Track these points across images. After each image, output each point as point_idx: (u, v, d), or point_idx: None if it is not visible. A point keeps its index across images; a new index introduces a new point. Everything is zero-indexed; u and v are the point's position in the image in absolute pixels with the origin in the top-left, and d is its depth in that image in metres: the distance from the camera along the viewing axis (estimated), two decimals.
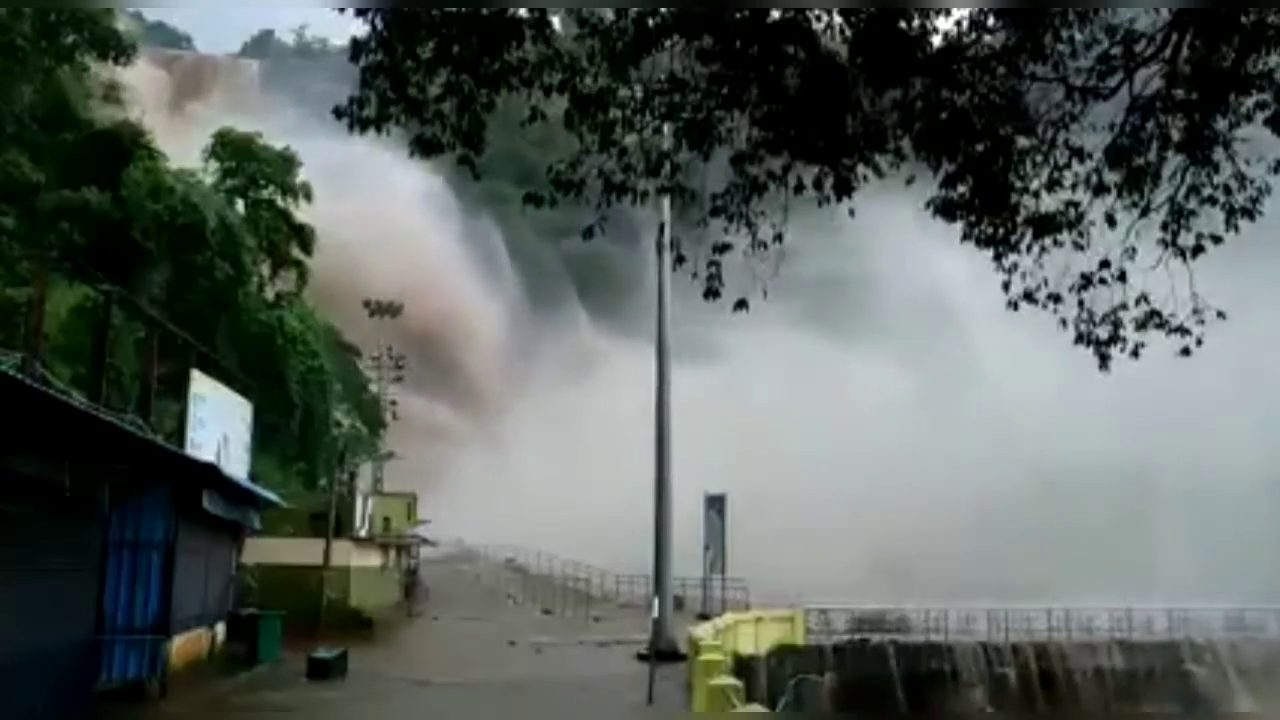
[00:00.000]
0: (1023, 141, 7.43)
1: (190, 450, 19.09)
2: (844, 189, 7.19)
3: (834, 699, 29.85)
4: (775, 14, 6.61)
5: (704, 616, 31.13)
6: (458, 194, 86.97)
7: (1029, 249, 7.74)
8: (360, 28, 6.34)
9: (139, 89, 39.33)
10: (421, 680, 20.60)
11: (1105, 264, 7.69)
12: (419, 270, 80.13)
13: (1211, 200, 7.44)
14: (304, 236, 38.58)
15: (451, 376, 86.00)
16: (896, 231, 44.41)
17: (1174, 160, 7.43)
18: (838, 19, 6.70)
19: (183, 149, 36.83)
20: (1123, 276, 7.68)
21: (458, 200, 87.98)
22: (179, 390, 21.16)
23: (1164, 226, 7.60)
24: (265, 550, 26.07)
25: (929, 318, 68.64)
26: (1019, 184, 7.58)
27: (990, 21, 7.09)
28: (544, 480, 62.18)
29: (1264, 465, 45.36)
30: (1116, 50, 7.21)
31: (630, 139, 7.10)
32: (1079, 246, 7.71)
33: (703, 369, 58.84)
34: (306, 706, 17.38)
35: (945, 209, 7.54)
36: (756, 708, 12.07)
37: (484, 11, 6.29)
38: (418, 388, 67.96)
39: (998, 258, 7.79)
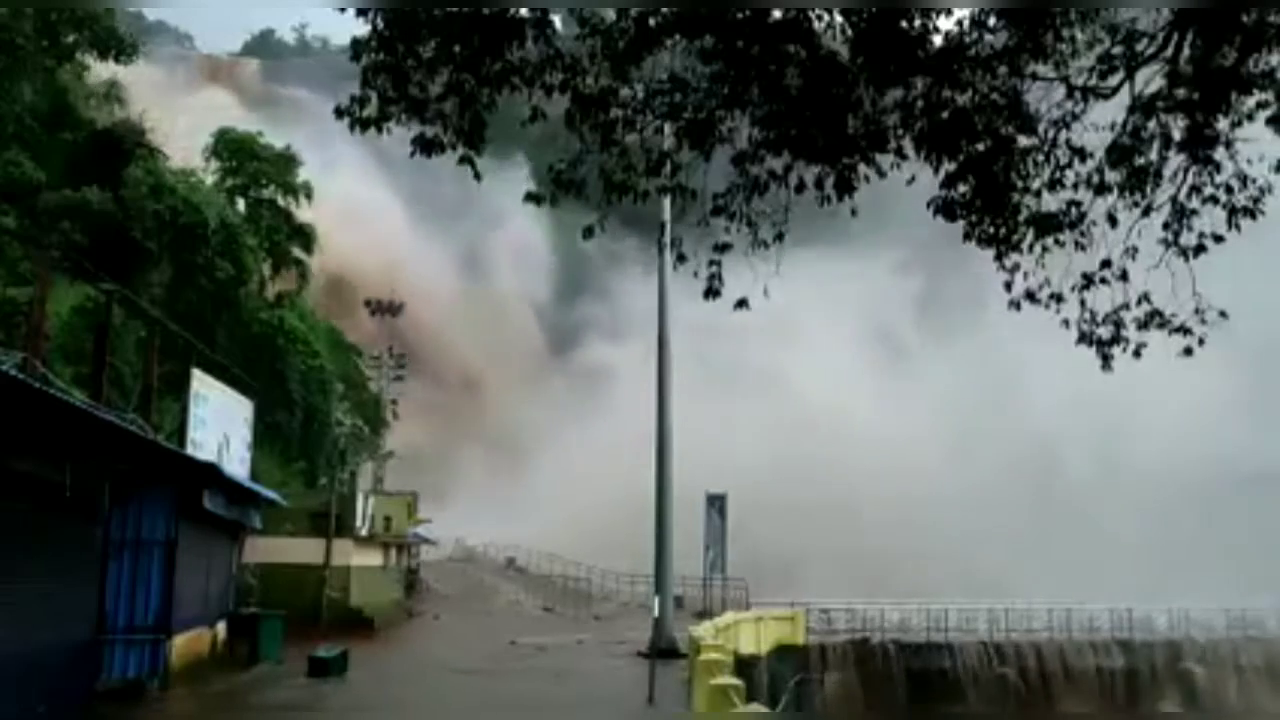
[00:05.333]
0: (1024, 141, 7.43)
1: (191, 450, 19.08)
2: (845, 188, 7.19)
3: (835, 698, 29.88)
4: (776, 13, 6.60)
5: (704, 615, 31.14)
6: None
7: (1030, 249, 7.74)
8: (361, 27, 6.35)
9: (140, 88, 39.32)
10: (423, 678, 20.64)
11: (1107, 263, 7.69)
12: (421, 268, 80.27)
13: (1213, 200, 7.44)
14: (305, 236, 38.63)
15: (454, 375, 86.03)
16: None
17: (1175, 160, 7.43)
18: (839, 18, 6.70)
19: (183, 148, 36.89)
20: (1124, 276, 7.68)
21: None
22: (180, 390, 21.16)
23: (1165, 226, 7.60)
24: (266, 549, 26.08)
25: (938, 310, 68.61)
26: (1020, 183, 7.58)
27: (991, 21, 7.09)
28: (546, 479, 62.13)
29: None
30: (1118, 50, 7.21)
31: (631, 138, 7.10)
32: (1080, 246, 7.71)
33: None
34: (307, 706, 17.37)
35: (946, 209, 7.54)
36: (757, 707, 12.05)
37: (485, 11, 6.28)
38: (421, 387, 67.98)
39: (999, 257, 7.80)
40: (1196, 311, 7.43)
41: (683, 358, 27.79)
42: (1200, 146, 7.22)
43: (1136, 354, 7.83)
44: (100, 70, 32.49)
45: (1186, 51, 6.93)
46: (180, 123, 47.44)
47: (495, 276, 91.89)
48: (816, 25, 6.71)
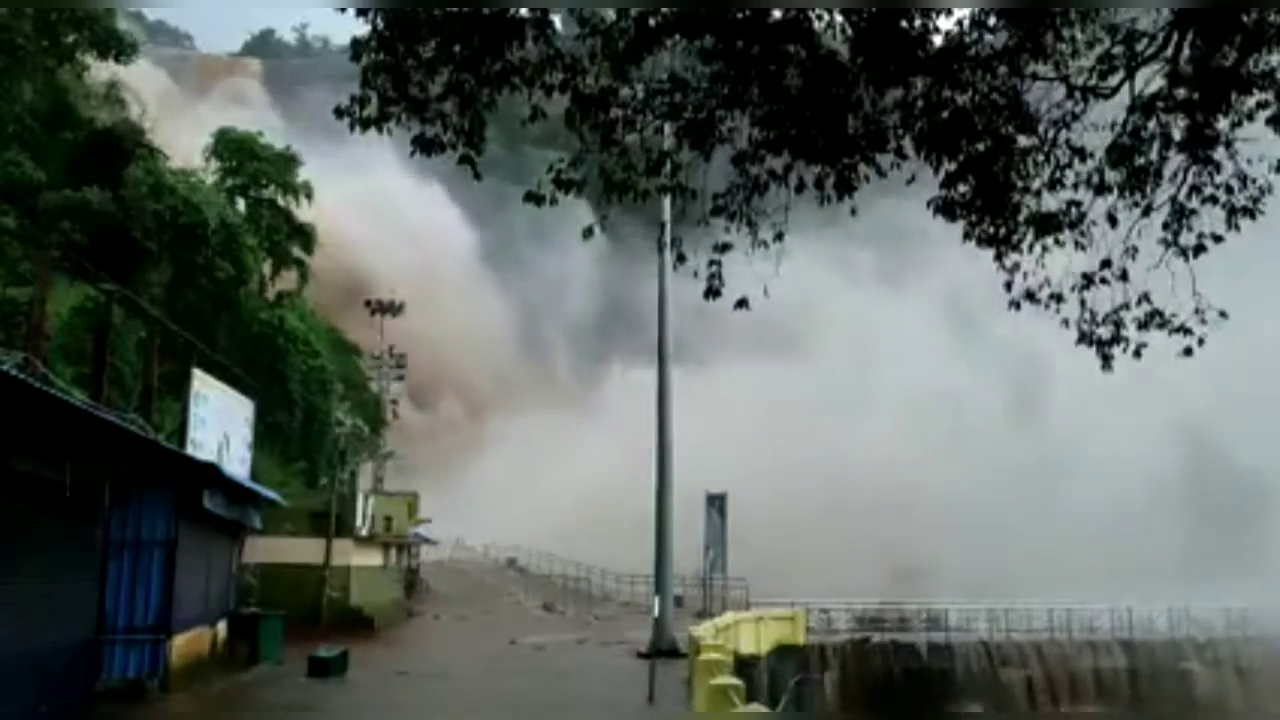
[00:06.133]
0: (1024, 141, 7.43)
1: (191, 449, 19.08)
2: (845, 188, 7.19)
3: (835, 698, 29.88)
4: (777, 13, 6.61)
5: (704, 615, 31.15)
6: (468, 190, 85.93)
7: (1030, 248, 7.74)
8: (361, 27, 6.36)
9: (140, 88, 39.38)
10: (423, 678, 20.64)
11: (1107, 263, 7.69)
12: (426, 268, 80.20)
13: (1213, 199, 7.44)
14: (305, 236, 38.64)
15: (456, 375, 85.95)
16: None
17: (1175, 159, 7.42)
18: (839, 18, 6.70)
19: (184, 147, 36.93)
20: (1124, 276, 7.68)
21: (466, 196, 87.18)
22: (180, 389, 21.17)
23: (1165, 226, 7.60)
24: (266, 549, 26.08)
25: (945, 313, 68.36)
26: (1020, 183, 7.58)
27: (991, 21, 7.09)
28: (547, 480, 62.11)
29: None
30: (1118, 49, 7.20)
31: (631, 138, 7.10)
32: (1080, 246, 7.71)
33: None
34: (307, 706, 17.37)
35: (946, 209, 7.54)
36: (757, 707, 12.04)
37: (485, 11, 6.28)
38: (423, 386, 68.05)
39: (999, 257, 7.80)
40: (1196, 311, 7.43)
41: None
42: (1200, 146, 7.22)
43: (1137, 354, 7.83)
44: (100, 70, 32.51)
45: (1186, 51, 6.92)
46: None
47: (503, 276, 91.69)
48: (816, 25, 6.71)
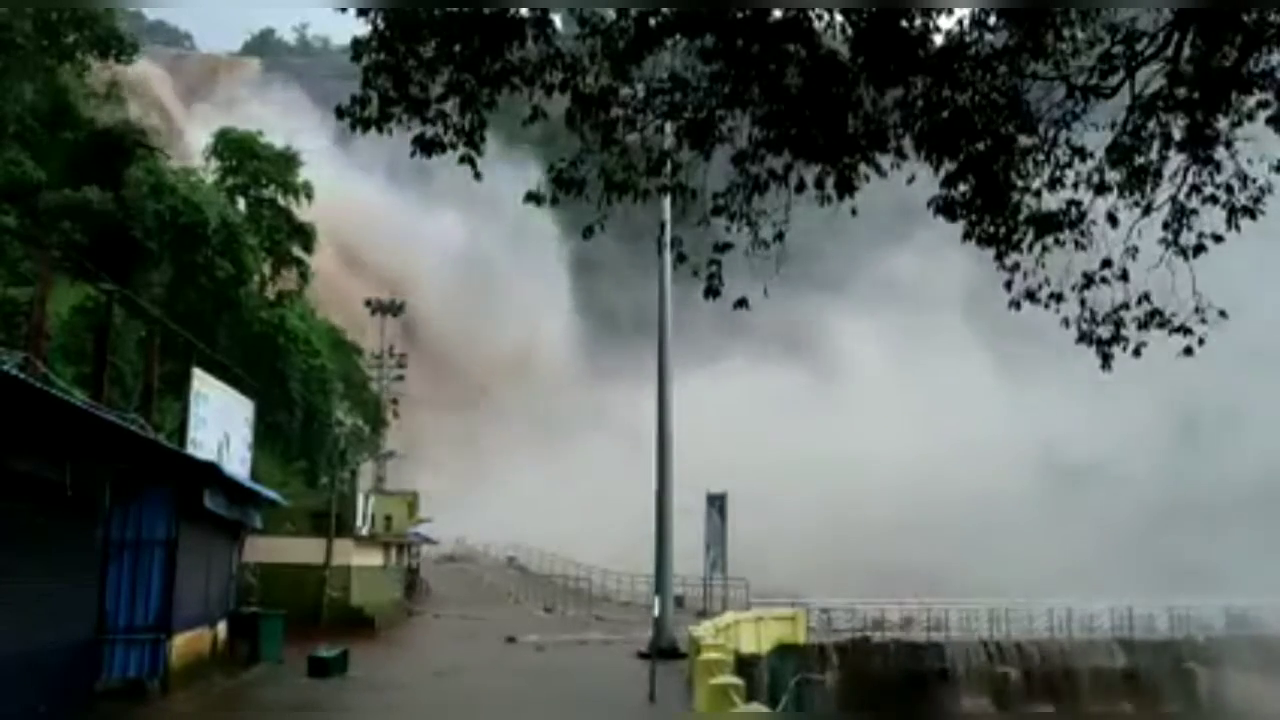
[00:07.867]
0: (1024, 140, 7.42)
1: (191, 449, 19.08)
2: (845, 188, 7.19)
3: (836, 698, 29.87)
4: (777, 13, 6.61)
5: (704, 615, 31.14)
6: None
7: (1030, 248, 7.73)
8: (361, 27, 6.36)
9: (140, 88, 39.45)
10: (423, 677, 20.66)
11: (1107, 263, 7.68)
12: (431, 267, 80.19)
13: (1213, 199, 7.43)
14: (305, 235, 38.66)
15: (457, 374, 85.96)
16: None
17: (1176, 159, 7.42)
18: (839, 18, 6.70)
19: (184, 147, 36.96)
20: (1125, 276, 7.67)
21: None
22: (180, 389, 21.17)
23: (1166, 225, 7.59)
24: (267, 549, 26.08)
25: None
26: (1020, 183, 7.57)
27: (991, 20, 7.09)
28: (548, 480, 62.13)
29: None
30: (1118, 49, 7.20)
31: (632, 138, 7.10)
32: (1080, 246, 7.71)
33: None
34: (307, 706, 17.38)
35: (946, 208, 7.54)
36: (758, 707, 12.06)
37: (485, 11, 6.28)
38: (424, 386, 68.06)
39: (999, 257, 7.79)
40: (1196, 311, 7.42)
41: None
42: (1200, 146, 7.22)
43: (1136, 353, 7.83)
44: (100, 69, 32.50)
45: (1187, 51, 6.92)
46: None
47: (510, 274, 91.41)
48: (816, 25, 6.71)
